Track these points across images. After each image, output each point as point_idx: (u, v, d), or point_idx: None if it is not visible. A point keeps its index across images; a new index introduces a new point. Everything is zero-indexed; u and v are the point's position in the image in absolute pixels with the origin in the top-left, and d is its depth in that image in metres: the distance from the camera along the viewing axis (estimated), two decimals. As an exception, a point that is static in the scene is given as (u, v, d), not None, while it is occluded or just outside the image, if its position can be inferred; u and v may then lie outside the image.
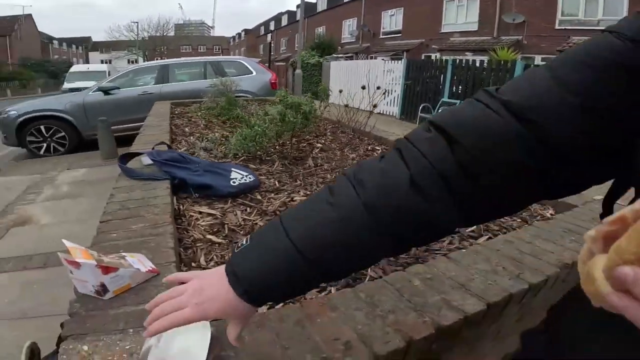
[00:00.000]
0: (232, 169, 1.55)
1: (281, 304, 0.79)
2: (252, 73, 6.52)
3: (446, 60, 7.79)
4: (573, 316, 0.41)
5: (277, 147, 2.21)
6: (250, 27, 48.62)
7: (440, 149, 0.36)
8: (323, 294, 0.90)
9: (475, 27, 13.43)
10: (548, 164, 0.34)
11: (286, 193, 1.53)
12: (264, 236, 0.43)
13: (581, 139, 0.33)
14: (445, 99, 7.43)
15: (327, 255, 0.39)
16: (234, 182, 1.46)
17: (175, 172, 1.46)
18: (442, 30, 15.03)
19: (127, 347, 0.63)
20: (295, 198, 1.48)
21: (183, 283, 0.48)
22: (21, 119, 5.35)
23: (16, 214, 3.14)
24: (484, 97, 0.37)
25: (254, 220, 1.29)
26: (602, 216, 0.37)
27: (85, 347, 0.63)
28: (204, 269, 0.99)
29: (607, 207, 0.38)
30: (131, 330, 0.67)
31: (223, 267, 0.45)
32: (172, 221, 1.10)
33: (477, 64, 7.19)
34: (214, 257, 1.05)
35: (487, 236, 1.21)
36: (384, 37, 18.42)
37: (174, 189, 1.43)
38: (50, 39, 41.84)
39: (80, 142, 5.63)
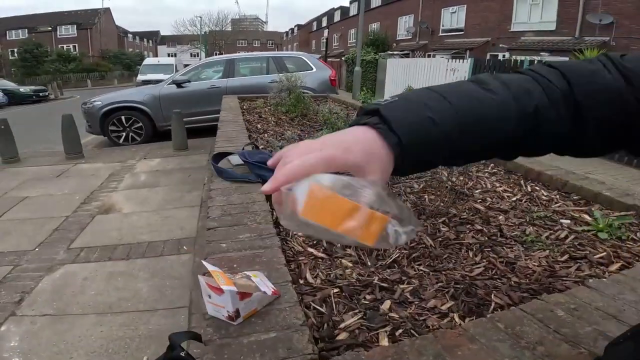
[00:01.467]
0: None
1: (414, 338, 0.73)
2: (312, 69, 6.54)
3: (522, 61, 7.38)
4: None
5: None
6: (301, 22, 49.13)
7: (563, 84, 0.41)
8: (445, 320, 0.83)
9: (552, 27, 12.59)
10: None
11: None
12: (417, 96, 0.41)
13: None
14: None
15: (479, 128, 0.39)
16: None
17: (268, 175, 1.46)
18: (512, 29, 14.14)
19: None
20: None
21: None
22: (105, 109, 5.84)
23: (101, 201, 3.41)
24: (604, 59, 0.42)
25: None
26: None
27: None
28: (312, 286, 0.96)
29: None
30: None
31: (352, 128, 0.39)
32: (276, 232, 1.08)
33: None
34: (319, 273, 1.02)
35: (620, 263, 1.07)
36: (443, 34, 17.62)
37: (265, 192, 1.43)
38: (125, 32, 45.57)
39: (155, 133, 6.02)
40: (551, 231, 1.33)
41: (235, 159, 1.68)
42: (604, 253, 1.15)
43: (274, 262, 0.93)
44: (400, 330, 0.81)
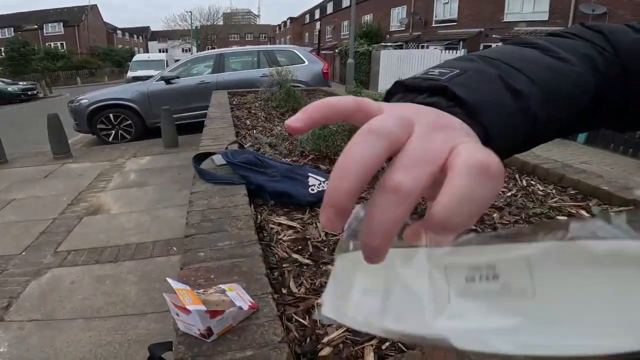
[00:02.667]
0: (309, 174, 1.45)
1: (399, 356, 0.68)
2: (304, 62, 6.45)
3: None
4: None
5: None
6: (294, 15, 48.62)
7: (611, 49, 0.36)
8: None
9: (545, 17, 12.66)
10: None
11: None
12: (484, 68, 0.31)
13: None
14: None
15: (563, 107, 0.33)
16: (312, 190, 1.36)
17: (252, 177, 1.40)
18: (505, 20, 14.15)
19: None
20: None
21: None
22: (92, 107, 5.72)
23: (89, 202, 3.34)
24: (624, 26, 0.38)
25: (337, 234, 1.19)
26: None
27: None
28: (295, 296, 0.91)
29: None
30: None
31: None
32: (257, 239, 1.03)
33: None
34: (304, 281, 0.97)
35: None
36: (436, 25, 17.51)
37: (249, 194, 1.37)
38: (114, 29, 44.83)
39: (145, 130, 5.91)
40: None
41: (218, 159, 1.62)
42: None
43: (254, 272, 0.87)
44: (387, 344, 0.75)
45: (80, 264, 2.36)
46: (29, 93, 16.02)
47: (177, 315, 0.70)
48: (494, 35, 14.01)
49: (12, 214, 3.19)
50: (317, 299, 0.89)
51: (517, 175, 1.85)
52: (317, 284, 0.95)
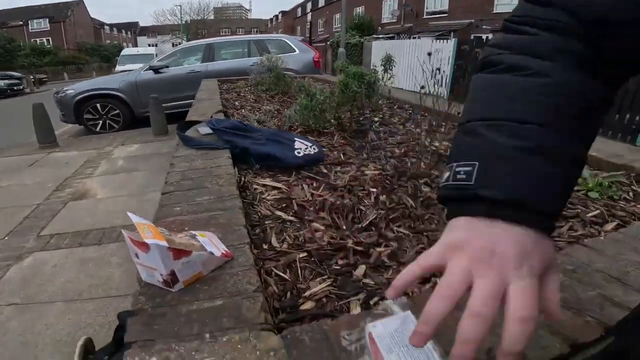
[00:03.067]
0: (295, 139, 1.42)
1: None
2: (295, 51, 6.39)
3: None
4: None
5: (334, 120, 2.06)
6: (286, 8, 48.22)
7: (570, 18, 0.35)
8: (428, 286, 0.75)
9: None
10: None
11: (354, 167, 1.38)
12: (494, 145, 0.32)
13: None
14: None
15: (571, 120, 0.32)
16: (298, 153, 1.33)
17: (237, 140, 1.36)
18: (495, 11, 14.18)
19: None
20: (366, 172, 1.32)
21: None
22: (78, 97, 5.61)
23: (74, 188, 3.26)
24: None
25: (323, 196, 1.15)
26: None
27: None
28: (277, 251, 0.87)
29: None
30: (208, 335, 0.55)
31: (466, 220, 0.32)
32: (238, 194, 0.99)
33: None
34: (287, 237, 0.93)
35: (616, 222, 0.99)
36: (427, 17, 17.49)
37: (234, 158, 1.33)
38: (102, 24, 44.05)
39: (133, 120, 5.82)
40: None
41: (204, 129, 1.57)
42: (597, 212, 1.07)
43: (232, 223, 0.83)
44: (375, 299, 0.72)
45: (64, 247, 2.30)
46: (15, 88, 15.72)
47: (137, 257, 0.64)
48: (484, 27, 14.03)
49: (-5, 200, 3.10)
50: (299, 253, 0.86)
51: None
52: (300, 240, 0.92)
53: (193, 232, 0.74)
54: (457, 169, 0.32)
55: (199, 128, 1.61)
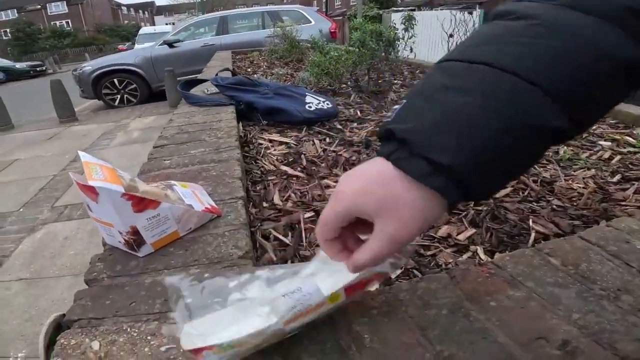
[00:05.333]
0: (307, 93, 1.28)
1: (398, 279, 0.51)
2: (311, 22, 6.14)
3: None
4: None
5: (351, 80, 1.89)
6: (304, -18, 46.77)
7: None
8: (465, 256, 0.61)
9: None
10: None
11: (373, 123, 1.23)
12: (429, 83, 0.28)
13: None
14: None
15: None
16: (309, 107, 1.19)
17: (241, 95, 1.23)
18: None
19: (164, 350, 0.37)
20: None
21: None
22: (96, 73, 5.65)
23: (91, 158, 3.26)
24: None
25: (337, 152, 1.02)
26: None
27: (96, 346, 0.38)
28: (279, 209, 0.75)
29: None
30: (172, 314, 0.41)
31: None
32: (238, 145, 0.86)
33: None
34: (292, 194, 0.80)
35: None
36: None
37: (238, 115, 1.20)
38: (119, 5, 44.11)
39: (150, 94, 5.83)
40: (591, 151, 1.08)
41: (211, 89, 1.45)
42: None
43: (226, 175, 0.71)
44: (398, 272, 0.58)
45: (76, 218, 2.29)
46: (38, 69, 16.09)
47: (89, 209, 0.51)
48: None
49: (13, 173, 3.14)
50: (306, 212, 0.73)
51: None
52: (308, 198, 0.79)
53: (172, 182, 0.62)
54: (397, 107, 0.30)
55: (205, 88, 1.49)
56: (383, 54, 1.80)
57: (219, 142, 0.87)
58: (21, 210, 2.47)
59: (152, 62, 5.72)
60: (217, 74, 1.52)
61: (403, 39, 2.11)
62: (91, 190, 0.45)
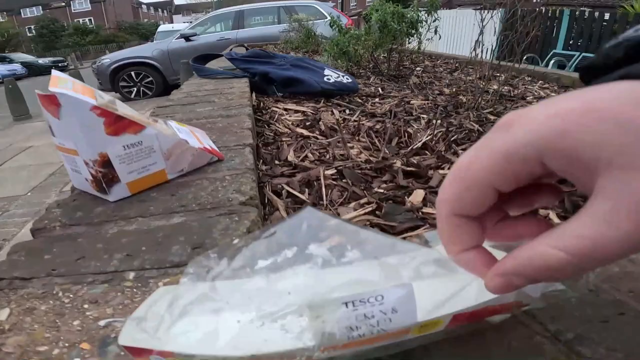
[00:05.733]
0: (326, 67, 1.18)
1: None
2: (326, 17, 6.07)
3: (561, 11, 6.74)
4: None
5: (371, 63, 1.79)
6: (321, -17, 46.93)
7: None
8: None
9: None
10: None
11: (397, 98, 1.13)
12: None
13: None
14: (558, 50, 6.41)
15: None
16: (328, 79, 1.09)
17: (255, 67, 1.14)
18: None
19: (103, 325, 0.26)
20: (412, 102, 1.07)
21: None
22: (113, 66, 5.73)
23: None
24: None
25: (359, 121, 0.92)
26: None
27: (3, 315, 0.28)
28: (294, 165, 0.65)
29: None
30: (132, 275, 0.31)
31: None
32: (250, 105, 0.78)
33: (605, 17, 6.09)
34: (309, 154, 0.70)
35: None
36: (473, -14, 16.25)
37: (252, 88, 1.12)
38: (139, 3, 45.07)
39: (166, 87, 5.85)
40: None
41: (225, 66, 1.37)
42: None
43: (234, 126, 0.62)
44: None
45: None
46: (60, 65, 16.55)
47: (52, 132, 0.41)
48: (535, 1, 12.82)
49: (26, 159, 3.15)
50: (326, 170, 0.62)
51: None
52: (328, 157, 0.69)
53: (172, 122, 0.52)
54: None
55: (219, 66, 1.42)
56: (406, 33, 1.69)
57: (229, 102, 0.79)
58: (29, 194, 2.45)
59: (168, 56, 5.77)
60: (231, 49, 1.44)
61: (426, 21, 2.00)
62: (52, 102, 0.36)
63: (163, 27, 17.28)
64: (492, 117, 0.94)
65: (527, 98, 1.33)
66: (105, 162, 0.39)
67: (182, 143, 0.45)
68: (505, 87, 1.51)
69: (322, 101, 1.06)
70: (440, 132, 0.78)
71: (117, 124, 0.39)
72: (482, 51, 1.55)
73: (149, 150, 0.42)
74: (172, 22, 47.23)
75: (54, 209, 0.42)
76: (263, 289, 0.18)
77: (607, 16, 6.16)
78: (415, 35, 1.74)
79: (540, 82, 1.75)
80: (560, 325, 0.23)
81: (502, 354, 0.22)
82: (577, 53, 5.69)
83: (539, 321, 0.24)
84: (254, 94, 1.07)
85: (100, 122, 0.38)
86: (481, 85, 1.38)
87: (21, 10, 33.66)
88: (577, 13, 6.58)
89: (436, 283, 0.19)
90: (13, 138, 3.91)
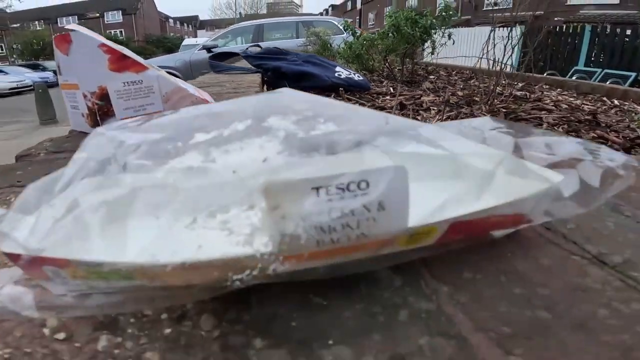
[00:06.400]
0: (337, 65, 1.19)
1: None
2: (343, 33, 6.21)
3: (582, 28, 6.69)
4: None
5: (384, 70, 1.80)
6: (336, 2, 47.88)
7: None
8: None
9: (615, 0, 11.84)
10: None
11: (408, 95, 1.12)
12: None
13: None
14: (579, 67, 6.31)
15: None
16: (339, 75, 1.10)
17: (268, 63, 1.16)
18: (569, 2, 13.10)
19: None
20: (423, 98, 1.06)
21: None
22: (136, 73, 5.95)
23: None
24: None
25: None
26: None
27: None
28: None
29: None
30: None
31: None
32: (259, 89, 0.79)
33: (627, 32, 6.01)
34: None
35: None
36: (488, 9, 16.31)
37: (265, 83, 1.13)
38: (167, 17, 47.08)
39: (186, 96, 6.04)
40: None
41: (244, 65, 1.41)
42: None
43: (243, 95, 0.63)
44: None
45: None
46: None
47: (59, 72, 0.43)
48: (556, 18, 12.74)
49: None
50: None
51: (604, 99, 1.47)
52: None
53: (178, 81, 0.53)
54: None
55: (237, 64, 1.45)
56: (420, 39, 1.70)
57: (239, 85, 0.80)
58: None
59: (190, 66, 5.95)
60: (247, 49, 1.48)
61: (440, 28, 2.00)
62: (65, 40, 0.38)
63: (187, 41, 18.04)
64: (504, 110, 0.92)
65: (544, 100, 1.30)
66: (104, 95, 0.40)
67: (182, 89, 0.46)
68: (522, 92, 1.49)
69: (333, 96, 1.07)
70: (449, 117, 0.77)
71: (120, 62, 0.40)
72: (500, 62, 1.53)
73: (148, 90, 0.43)
74: (196, 36, 49.05)
75: (46, 142, 0.43)
76: (196, 168, 0.13)
77: (629, 32, 6.06)
78: (429, 42, 1.74)
79: (558, 89, 1.72)
80: (602, 248, 0.22)
81: (532, 270, 0.20)
82: (599, 69, 5.60)
83: (572, 240, 0.22)
84: (264, 88, 1.08)
85: (105, 58, 0.39)
86: (498, 89, 1.36)
87: (58, 19, 35.55)
88: (598, 29, 6.50)
89: (434, 184, 0.17)
90: (36, 139, 4.09)
